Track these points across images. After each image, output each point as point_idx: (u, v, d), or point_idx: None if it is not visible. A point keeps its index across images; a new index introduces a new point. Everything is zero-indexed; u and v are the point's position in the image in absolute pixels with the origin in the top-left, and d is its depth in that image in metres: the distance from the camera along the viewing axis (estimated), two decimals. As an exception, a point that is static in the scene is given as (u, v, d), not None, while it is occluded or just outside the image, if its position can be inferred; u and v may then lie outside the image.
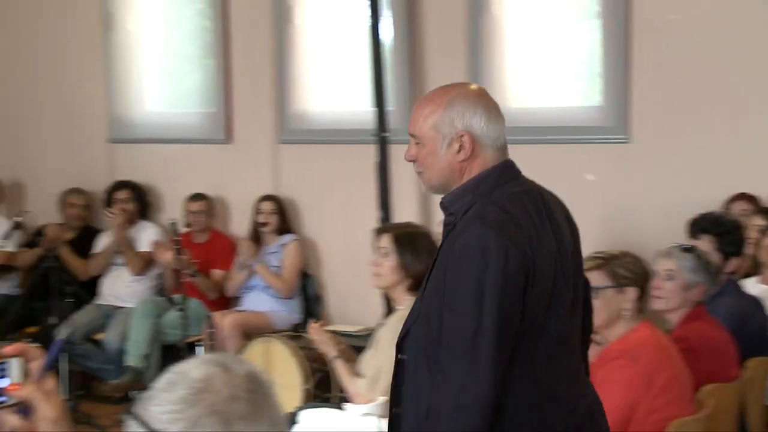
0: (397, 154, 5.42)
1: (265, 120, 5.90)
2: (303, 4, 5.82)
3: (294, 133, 5.86)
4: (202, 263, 5.73)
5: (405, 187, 5.48)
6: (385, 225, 4.69)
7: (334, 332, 4.06)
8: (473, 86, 2.25)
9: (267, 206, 5.69)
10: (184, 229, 5.76)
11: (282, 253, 5.66)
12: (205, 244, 5.90)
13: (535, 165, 5.28)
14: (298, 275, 5.68)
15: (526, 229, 2.05)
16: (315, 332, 3.71)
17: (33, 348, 1.26)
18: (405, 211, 5.33)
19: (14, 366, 1.22)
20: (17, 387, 1.21)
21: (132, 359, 5.50)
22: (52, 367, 1.26)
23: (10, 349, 1.24)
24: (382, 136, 5.30)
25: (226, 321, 5.37)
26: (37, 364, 1.24)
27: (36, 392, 1.22)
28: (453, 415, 1.98)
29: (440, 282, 2.06)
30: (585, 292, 2.28)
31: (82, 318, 5.76)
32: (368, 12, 5.27)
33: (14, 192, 6.59)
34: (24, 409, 1.22)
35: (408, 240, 3.41)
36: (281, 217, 5.71)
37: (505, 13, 5.30)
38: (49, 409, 1.22)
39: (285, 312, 5.59)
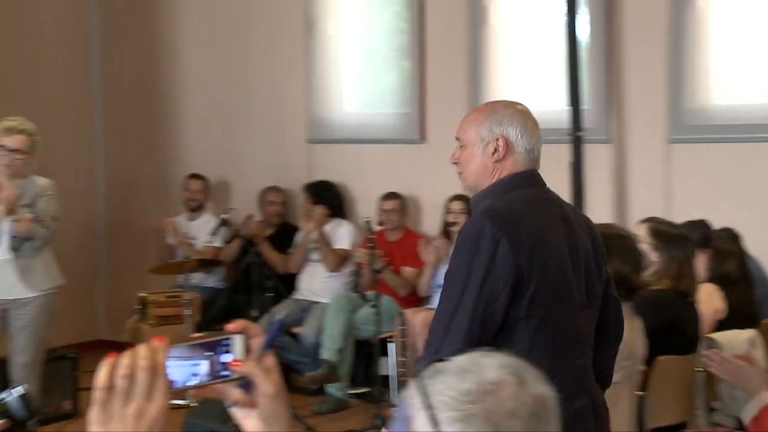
0: (592, 154, 5.31)
1: (458, 119, 5.86)
2: (498, 4, 5.80)
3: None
4: (394, 261, 5.83)
5: (599, 187, 5.36)
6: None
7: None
8: (517, 103, 2.51)
9: (456, 206, 5.71)
10: (377, 228, 5.88)
11: (473, 252, 5.66)
12: (398, 242, 5.99)
13: (741, 163, 5.09)
14: (488, 275, 5.66)
15: (531, 228, 2.27)
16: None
17: (254, 326, 1.29)
18: (599, 212, 5.21)
19: (237, 342, 1.26)
20: (239, 363, 1.25)
21: (327, 353, 5.65)
22: (272, 346, 1.28)
23: (233, 326, 1.28)
24: (576, 135, 5.21)
25: (417, 318, 5.44)
26: (258, 341, 1.28)
27: (256, 368, 1.25)
28: None
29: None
30: (608, 307, 2.48)
31: (280, 311, 5.98)
32: (564, 9, 5.20)
33: (220, 190, 6.93)
34: (245, 384, 1.26)
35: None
36: (471, 216, 5.71)
37: (711, 5, 5.07)
38: (268, 386, 1.25)
39: (476, 311, 5.58)
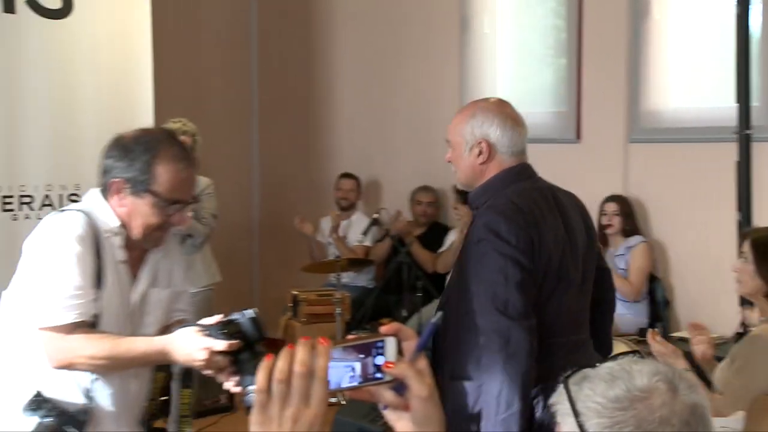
0: (761, 152, 5.03)
1: (616, 119, 5.75)
2: (662, -3, 5.58)
3: (645, 131, 5.65)
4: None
5: (768, 188, 5.07)
6: (752, 229, 4.37)
7: (682, 339, 3.85)
8: (498, 100, 2.66)
9: (610, 207, 5.57)
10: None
11: (629, 255, 5.50)
12: (550, 244, 5.87)
13: None
14: (645, 279, 5.48)
15: (530, 217, 2.44)
16: (655, 343, 3.53)
17: (407, 328, 1.28)
18: (767, 214, 4.94)
19: (389, 345, 1.25)
20: (392, 365, 1.24)
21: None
22: (424, 348, 1.27)
23: (386, 328, 1.27)
24: (744, 133, 4.94)
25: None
26: (410, 344, 1.27)
27: (409, 371, 1.24)
28: (504, 366, 2.32)
29: (464, 262, 2.47)
30: (601, 277, 2.71)
31: (429, 312, 5.97)
32: (735, 0, 4.93)
33: (371, 190, 7.00)
34: (398, 386, 1.25)
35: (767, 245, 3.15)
36: (626, 218, 5.55)
37: None
38: (421, 388, 1.24)
39: (631, 315, 5.41)
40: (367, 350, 1.24)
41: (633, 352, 4.10)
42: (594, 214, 5.64)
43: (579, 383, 1.18)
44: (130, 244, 2.35)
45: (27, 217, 4.91)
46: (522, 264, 2.39)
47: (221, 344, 2.12)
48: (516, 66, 6.37)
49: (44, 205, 4.99)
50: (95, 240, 2.27)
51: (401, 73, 6.78)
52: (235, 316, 2.17)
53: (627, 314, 5.41)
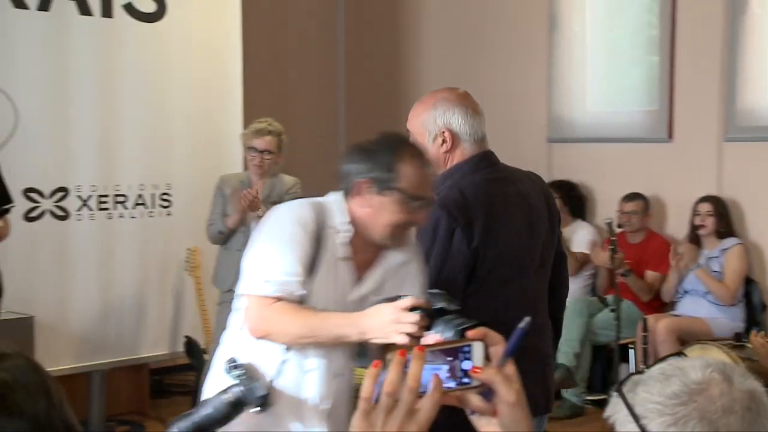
0: None
1: (710, 117, 5.59)
2: (763, -9, 5.40)
3: (742, 130, 5.47)
4: (636, 264, 5.60)
5: None
6: None
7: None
8: (456, 90, 2.68)
9: (704, 208, 5.43)
10: (618, 229, 5.67)
11: (723, 257, 5.35)
12: (640, 245, 5.76)
13: None
14: (741, 282, 5.32)
15: (484, 214, 2.50)
16: (760, 344, 3.43)
17: (494, 333, 1.27)
18: None
19: (476, 349, 1.24)
20: (479, 370, 1.22)
21: (563, 357, 5.53)
22: (513, 354, 1.25)
23: (473, 333, 1.26)
24: None
25: (660, 325, 5.21)
26: (498, 348, 1.26)
27: (496, 376, 1.22)
28: None
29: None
30: (558, 262, 2.75)
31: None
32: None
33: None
34: (486, 391, 1.23)
35: None
36: (720, 219, 5.39)
37: None
38: (508, 393, 1.22)
39: (725, 319, 5.26)
40: (454, 354, 1.23)
41: (678, 353, 4.01)
42: (687, 215, 5.52)
43: (633, 389, 1.17)
44: (358, 246, 2.37)
45: (121, 216, 5.05)
46: (448, 261, 2.45)
47: (408, 300, 2.15)
48: (606, 64, 6.24)
49: (137, 204, 5.12)
50: (318, 230, 2.32)
51: (489, 72, 6.73)
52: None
53: (721, 318, 5.26)
